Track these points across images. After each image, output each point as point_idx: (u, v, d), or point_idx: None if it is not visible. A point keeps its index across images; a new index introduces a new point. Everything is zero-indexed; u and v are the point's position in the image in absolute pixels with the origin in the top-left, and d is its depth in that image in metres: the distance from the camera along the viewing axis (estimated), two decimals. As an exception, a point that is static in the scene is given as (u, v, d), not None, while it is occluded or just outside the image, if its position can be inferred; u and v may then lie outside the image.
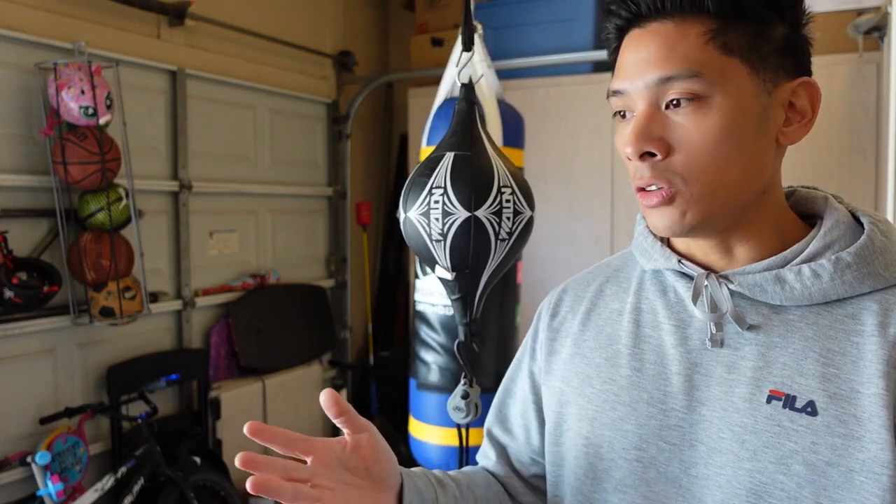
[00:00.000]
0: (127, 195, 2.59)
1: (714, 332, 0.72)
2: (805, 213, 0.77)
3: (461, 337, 0.84)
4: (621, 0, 0.72)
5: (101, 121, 2.44)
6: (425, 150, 1.92)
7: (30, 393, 2.52)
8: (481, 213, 0.83)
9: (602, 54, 3.54)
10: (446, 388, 1.76)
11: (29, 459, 2.31)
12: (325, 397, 0.73)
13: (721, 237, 0.74)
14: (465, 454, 0.86)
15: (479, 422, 1.81)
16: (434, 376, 1.78)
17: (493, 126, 1.78)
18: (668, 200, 0.69)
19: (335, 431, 3.96)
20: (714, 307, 0.72)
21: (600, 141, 3.63)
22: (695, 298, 0.74)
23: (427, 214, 0.81)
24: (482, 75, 1.80)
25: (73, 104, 2.39)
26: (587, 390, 0.80)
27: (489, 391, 1.80)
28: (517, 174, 0.85)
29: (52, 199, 2.50)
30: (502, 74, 3.77)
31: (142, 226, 2.77)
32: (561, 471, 0.82)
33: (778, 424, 0.67)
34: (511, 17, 3.74)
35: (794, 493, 0.66)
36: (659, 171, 0.69)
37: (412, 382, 1.85)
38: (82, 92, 2.39)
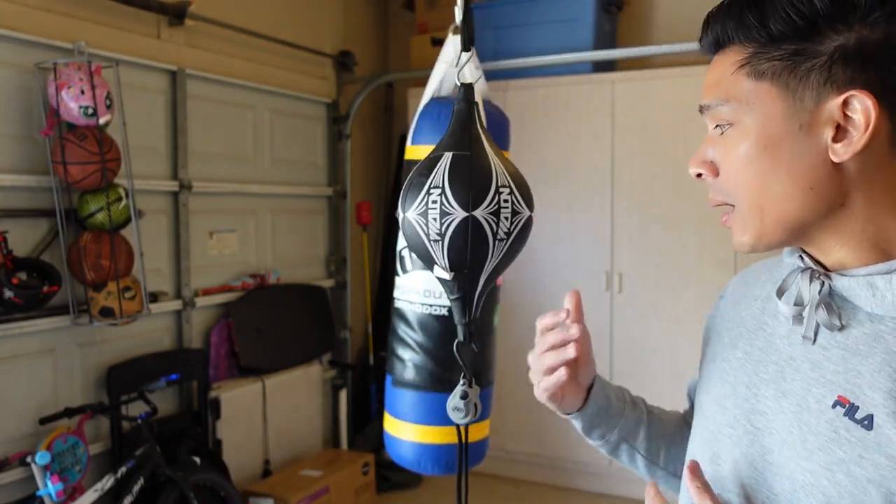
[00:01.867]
0: (127, 195, 2.59)
1: (807, 326, 0.73)
2: None
3: (460, 337, 0.84)
4: (701, 32, 0.78)
5: (101, 121, 2.45)
6: (410, 149, 1.93)
7: (30, 393, 2.52)
8: (479, 213, 0.83)
9: (602, 54, 3.54)
10: (421, 386, 1.78)
11: (29, 459, 2.31)
12: (572, 299, 0.87)
13: (813, 243, 0.74)
14: (464, 454, 0.86)
15: (442, 421, 1.82)
16: (410, 374, 1.79)
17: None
18: (730, 217, 0.75)
19: (335, 432, 3.96)
20: (800, 301, 0.74)
21: (600, 141, 3.63)
22: (780, 292, 0.76)
23: (425, 214, 0.81)
24: (481, 76, 1.80)
25: (72, 104, 2.39)
26: (711, 365, 0.86)
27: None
28: (516, 174, 0.85)
29: (52, 199, 2.50)
30: (502, 74, 3.79)
31: (142, 226, 2.77)
32: (694, 433, 0.88)
33: (834, 430, 0.67)
34: (511, 17, 3.74)
35: (834, 500, 0.66)
36: (716, 189, 0.76)
37: (388, 379, 1.87)
38: (82, 92, 2.40)
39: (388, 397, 1.88)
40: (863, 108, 0.66)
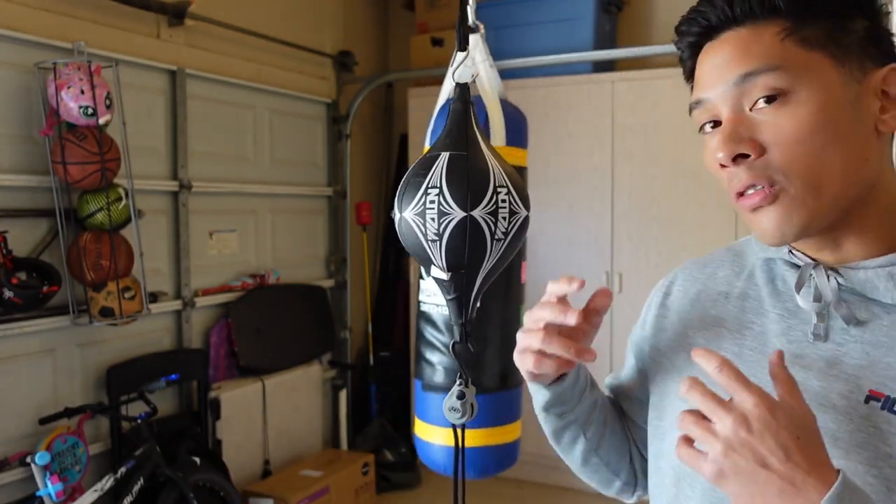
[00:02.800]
0: (127, 195, 2.59)
1: (816, 323, 0.71)
2: None
3: (456, 337, 0.84)
4: (691, 18, 0.72)
5: (101, 121, 2.45)
6: (428, 151, 1.91)
7: (29, 393, 2.52)
8: (477, 213, 0.83)
9: (602, 54, 3.54)
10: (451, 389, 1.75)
11: (28, 459, 2.31)
12: (603, 294, 0.84)
13: (830, 233, 0.71)
14: (460, 455, 0.86)
15: (473, 423, 1.81)
16: (440, 377, 1.77)
17: (497, 126, 1.78)
18: (772, 199, 0.68)
19: (335, 432, 3.96)
20: (819, 298, 0.71)
21: (600, 141, 3.62)
22: (798, 287, 0.72)
23: (423, 214, 0.81)
24: (477, 74, 1.79)
25: (72, 104, 2.40)
26: (688, 369, 0.79)
27: (494, 391, 1.79)
28: (513, 174, 0.85)
29: (51, 199, 2.50)
30: (502, 74, 3.77)
31: (142, 226, 2.77)
32: (662, 444, 0.83)
33: (874, 426, 0.65)
34: (511, 17, 3.74)
35: (884, 497, 0.64)
36: (757, 170, 0.68)
37: (417, 384, 1.85)
38: (82, 92, 2.40)
39: (419, 402, 1.86)
40: None
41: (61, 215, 2.50)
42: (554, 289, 0.83)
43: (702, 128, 0.73)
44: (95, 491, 2.43)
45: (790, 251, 0.75)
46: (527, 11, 3.70)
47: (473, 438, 1.77)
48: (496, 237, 0.82)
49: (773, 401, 0.61)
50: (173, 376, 2.81)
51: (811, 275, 0.72)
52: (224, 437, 3.15)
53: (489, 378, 1.77)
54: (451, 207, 0.81)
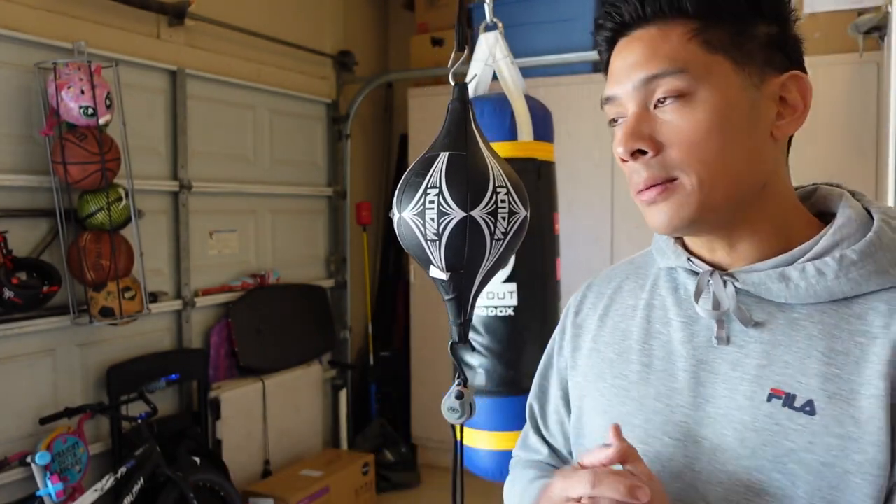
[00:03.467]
0: (127, 195, 2.59)
1: (717, 329, 0.73)
2: (824, 210, 0.77)
3: (454, 337, 0.84)
4: (606, 12, 0.75)
5: (101, 121, 2.45)
6: None
7: (30, 393, 2.52)
8: (477, 212, 0.83)
9: (602, 54, 3.53)
10: (494, 392, 1.72)
11: (29, 459, 2.32)
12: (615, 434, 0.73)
13: (724, 234, 0.74)
14: (459, 454, 0.86)
15: (511, 425, 1.78)
16: (481, 380, 1.75)
17: (523, 121, 1.77)
18: (667, 193, 0.70)
19: (335, 432, 3.97)
20: (717, 305, 0.73)
21: (600, 141, 3.62)
22: (697, 296, 0.75)
23: (422, 214, 0.81)
24: (475, 76, 1.79)
25: (72, 104, 2.40)
26: (600, 385, 0.82)
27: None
28: (512, 174, 0.85)
29: (51, 199, 2.50)
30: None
31: (142, 226, 2.77)
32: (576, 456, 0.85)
33: (777, 423, 0.67)
34: (511, 17, 3.73)
35: (790, 493, 0.66)
36: (654, 167, 0.71)
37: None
38: (82, 92, 2.40)
39: None
40: (804, 87, 0.70)
41: (61, 215, 2.50)
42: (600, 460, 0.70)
43: (611, 122, 0.76)
44: (95, 491, 2.43)
45: (689, 259, 0.77)
46: (527, 11, 3.69)
47: (511, 441, 1.76)
48: (496, 237, 0.82)
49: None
50: (173, 376, 2.81)
51: (709, 282, 0.74)
52: (224, 437, 3.15)
53: (529, 379, 1.77)
54: (450, 207, 0.81)
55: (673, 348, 0.76)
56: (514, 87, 1.80)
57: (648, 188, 0.71)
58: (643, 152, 0.71)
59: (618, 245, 3.60)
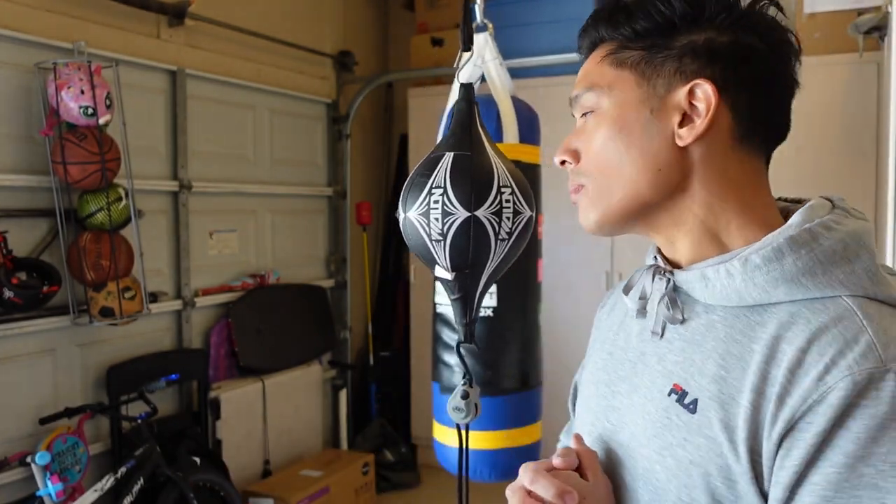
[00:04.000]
0: (127, 195, 2.59)
1: (654, 323, 0.76)
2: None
3: (461, 337, 0.84)
4: (582, 29, 0.84)
5: (101, 121, 2.44)
6: None
7: (30, 393, 2.52)
8: (481, 212, 0.83)
9: (602, 54, 3.54)
10: None
11: (29, 459, 2.31)
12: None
13: (656, 234, 0.78)
14: (464, 455, 0.86)
15: (495, 425, 1.78)
16: (457, 379, 1.76)
17: (509, 123, 1.77)
18: (578, 197, 0.78)
19: (335, 432, 3.96)
20: (643, 297, 0.78)
21: (600, 141, 3.62)
22: (626, 289, 0.80)
23: (427, 214, 0.81)
24: (482, 75, 1.79)
25: (72, 104, 2.39)
26: (586, 370, 0.90)
27: (514, 391, 1.78)
28: (517, 174, 0.85)
29: (51, 199, 2.50)
30: (502, 74, 3.78)
31: (142, 226, 2.77)
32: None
33: (667, 417, 0.71)
34: (511, 17, 3.74)
35: (664, 486, 0.70)
36: (574, 174, 0.78)
37: (435, 387, 1.83)
38: (82, 92, 2.39)
39: (437, 406, 1.85)
40: (705, 95, 0.71)
41: (61, 215, 2.50)
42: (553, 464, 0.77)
43: None
44: (95, 491, 2.42)
45: (655, 257, 0.81)
46: (527, 11, 3.69)
47: (495, 441, 1.76)
48: (500, 237, 0.82)
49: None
50: (173, 376, 2.81)
51: (641, 276, 0.80)
52: (224, 437, 3.15)
53: (509, 380, 1.77)
54: (455, 207, 0.81)
55: (629, 339, 0.81)
56: (501, 88, 1.80)
57: (575, 191, 0.79)
58: (566, 162, 0.79)
59: (618, 245, 3.61)
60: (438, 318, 1.81)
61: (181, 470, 2.62)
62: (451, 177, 0.81)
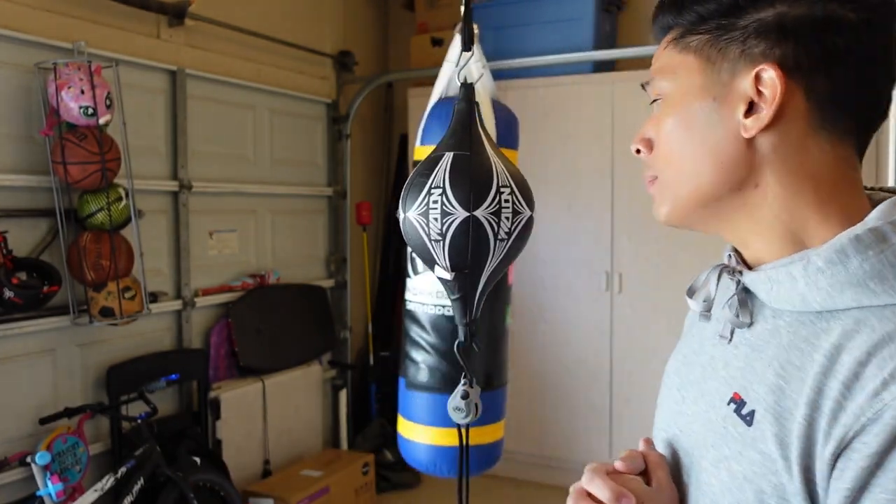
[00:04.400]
0: (127, 195, 2.59)
1: (722, 327, 0.73)
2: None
3: (461, 337, 0.84)
4: (653, 15, 0.78)
5: (101, 121, 2.44)
6: (419, 150, 1.92)
7: (30, 393, 2.52)
8: (480, 212, 0.83)
9: (602, 54, 3.54)
10: (435, 388, 1.77)
11: (29, 459, 2.31)
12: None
13: (727, 231, 0.73)
14: (465, 454, 0.86)
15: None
16: (423, 376, 1.79)
17: (488, 126, 1.78)
18: (653, 189, 0.75)
19: (335, 432, 3.96)
20: (710, 298, 0.74)
21: (600, 141, 3.62)
22: (690, 291, 0.76)
23: (426, 214, 0.81)
24: (482, 75, 1.80)
25: (72, 104, 2.39)
26: (665, 373, 0.86)
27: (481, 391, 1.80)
28: (516, 174, 0.85)
29: (51, 199, 2.50)
30: (502, 74, 3.78)
31: (142, 226, 2.77)
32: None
33: (724, 427, 0.67)
34: (511, 17, 3.74)
35: (718, 499, 0.66)
36: (647, 165, 0.76)
37: (401, 381, 1.86)
38: (82, 92, 2.39)
39: (402, 400, 1.87)
40: (770, 81, 0.64)
41: (61, 215, 2.50)
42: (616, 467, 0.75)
43: None
44: (96, 491, 2.42)
45: (729, 255, 0.76)
46: (527, 11, 3.70)
47: (448, 437, 1.78)
48: (499, 237, 0.82)
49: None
50: (173, 376, 2.81)
51: (707, 277, 0.76)
52: (224, 437, 3.15)
53: (475, 378, 1.79)
54: (454, 207, 0.81)
55: (703, 341, 0.77)
56: (483, 91, 1.81)
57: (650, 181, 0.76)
58: (639, 151, 0.75)
59: (618, 245, 3.61)
60: (407, 314, 1.83)
61: (181, 470, 2.62)
62: (450, 177, 0.81)
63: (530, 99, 3.73)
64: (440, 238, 0.82)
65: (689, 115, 0.70)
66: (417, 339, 1.78)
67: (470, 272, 0.81)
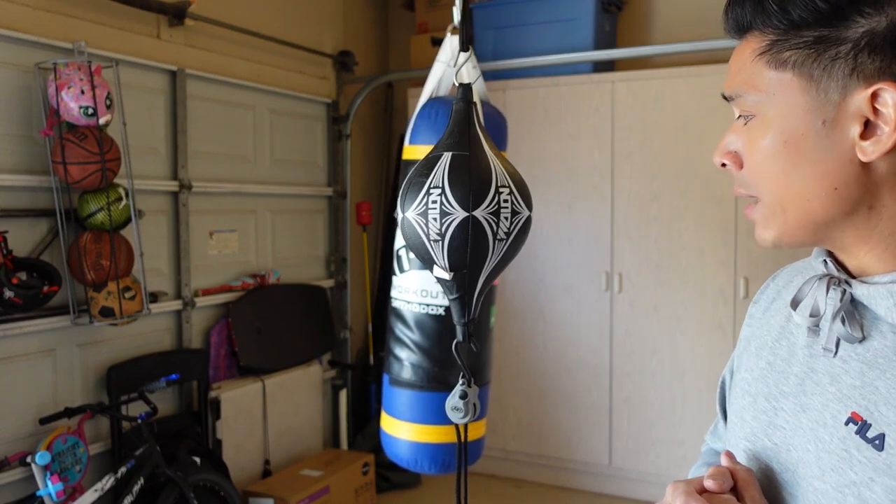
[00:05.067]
0: (127, 195, 2.59)
1: (826, 339, 0.68)
2: None
3: (459, 337, 0.84)
4: (725, 13, 0.72)
5: (101, 121, 2.45)
6: (408, 149, 1.92)
7: (30, 393, 2.52)
8: (479, 212, 0.83)
9: (602, 54, 3.54)
10: (418, 386, 1.79)
11: (29, 459, 2.31)
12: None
13: (837, 247, 0.70)
14: (463, 453, 0.86)
15: (437, 420, 1.82)
16: (407, 373, 1.81)
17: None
18: (755, 211, 0.71)
19: (335, 432, 3.96)
20: (816, 311, 0.69)
21: (600, 141, 3.63)
22: (794, 303, 0.72)
23: (425, 214, 0.81)
24: (479, 76, 1.80)
25: (72, 104, 2.39)
26: (737, 376, 0.81)
27: None
28: (515, 174, 0.85)
29: (52, 199, 2.50)
30: (502, 74, 3.79)
31: (142, 226, 2.77)
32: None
33: (846, 449, 0.63)
34: (511, 17, 3.74)
35: None
36: (739, 181, 0.71)
37: (385, 378, 1.88)
38: (82, 92, 2.40)
39: (386, 396, 1.89)
40: (893, 101, 0.60)
41: (61, 215, 2.50)
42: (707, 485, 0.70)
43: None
44: (95, 491, 2.43)
45: (825, 261, 0.72)
46: (527, 11, 3.70)
47: (438, 435, 1.79)
48: (498, 237, 0.82)
49: None
50: (173, 376, 2.81)
51: (814, 286, 0.71)
52: (224, 437, 3.15)
53: (455, 376, 1.80)
54: (453, 207, 0.81)
55: (794, 350, 0.73)
56: (473, 91, 1.82)
57: (748, 204, 0.72)
58: (725, 165, 0.72)
59: (618, 245, 3.61)
60: (393, 311, 1.84)
61: (181, 470, 2.62)
62: (449, 177, 0.81)
63: (530, 99, 3.73)
64: (439, 238, 0.82)
65: (793, 139, 0.65)
66: (402, 336, 1.80)
67: (468, 272, 0.81)
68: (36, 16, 2.51)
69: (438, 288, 1.76)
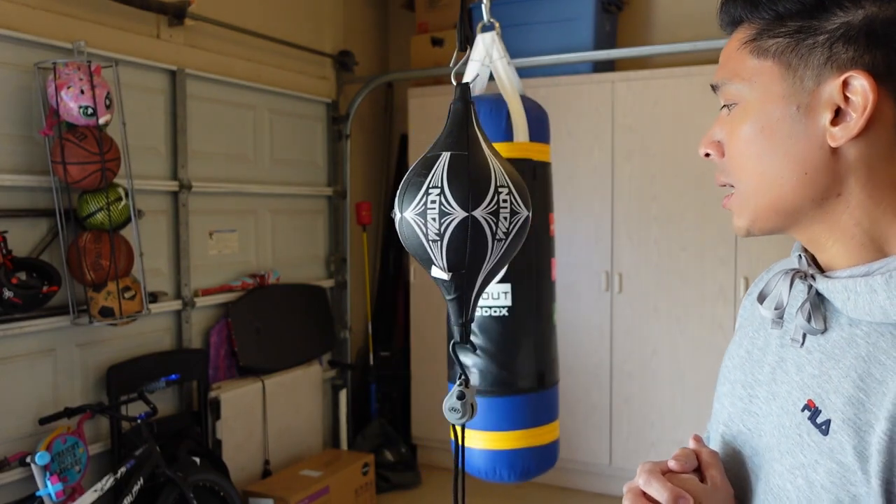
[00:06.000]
0: (126, 195, 2.59)
1: (794, 330, 0.71)
2: None
3: (456, 337, 0.84)
4: (720, 8, 0.75)
5: (101, 121, 2.44)
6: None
7: (29, 393, 2.52)
8: (478, 212, 0.82)
9: (602, 54, 3.54)
10: (488, 392, 1.73)
11: (28, 460, 2.31)
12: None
13: (805, 237, 0.72)
14: (461, 454, 0.86)
15: (513, 425, 1.78)
16: (474, 380, 1.76)
17: (519, 122, 1.77)
18: (730, 200, 0.73)
19: (335, 432, 3.96)
20: (780, 304, 0.73)
21: (600, 141, 3.62)
22: (761, 297, 0.75)
23: (424, 214, 0.81)
24: (477, 76, 1.79)
25: (72, 104, 2.39)
26: (722, 364, 0.86)
27: (531, 392, 1.77)
28: (513, 174, 0.85)
29: (51, 199, 2.50)
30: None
31: (141, 226, 2.77)
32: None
33: (799, 434, 0.67)
34: (511, 17, 3.73)
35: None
36: (719, 170, 0.74)
37: (451, 387, 1.82)
38: (82, 92, 2.40)
39: None
40: (861, 88, 0.63)
41: (61, 215, 2.50)
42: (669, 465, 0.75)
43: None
44: (95, 491, 2.42)
45: (799, 256, 0.75)
46: (527, 11, 3.69)
47: (513, 441, 1.76)
48: (497, 237, 0.82)
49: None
50: (173, 376, 2.81)
51: (779, 281, 0.74)
52: (224, 437, 3.15)
53: (525, 379, 1.76)
54: (452, 207, 0.81)
55: (770, 341, 0.76)
56: (510, 87, 1.79)
57: (725, 195, 0.75)
58: (709, 155, 0.75)
59: (618, 245, 3.60)
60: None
61: (181, 470, 2.62)
62: (448, 176, 0.81)
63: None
64: (438, 238, 0.82)
65: (769, 124, 0.68)
66: (472, 344, 1.75)
67: (467, 272, 0.81)
68: (35, 16, 2.51)
69: (499, 289, 1.73)
